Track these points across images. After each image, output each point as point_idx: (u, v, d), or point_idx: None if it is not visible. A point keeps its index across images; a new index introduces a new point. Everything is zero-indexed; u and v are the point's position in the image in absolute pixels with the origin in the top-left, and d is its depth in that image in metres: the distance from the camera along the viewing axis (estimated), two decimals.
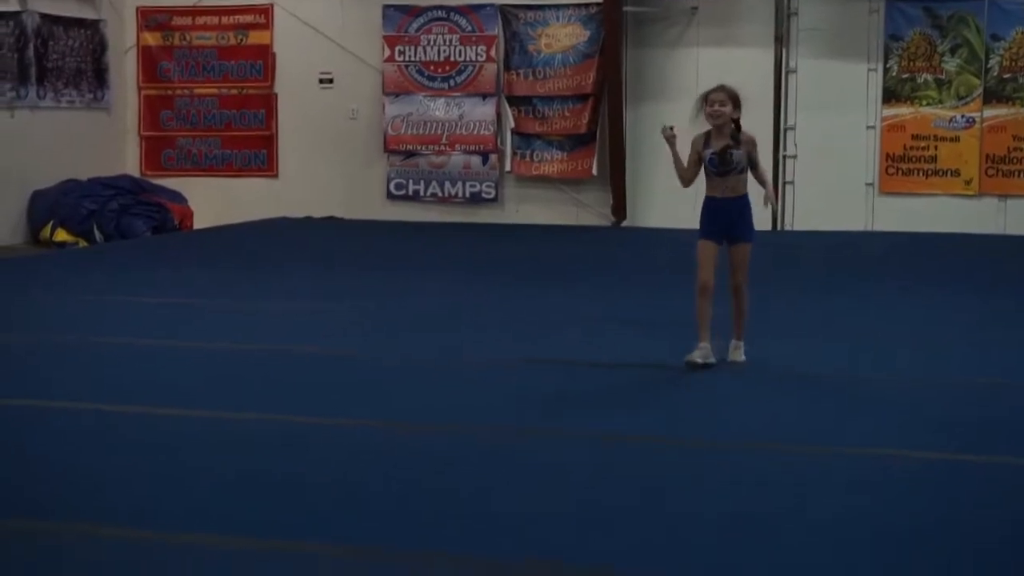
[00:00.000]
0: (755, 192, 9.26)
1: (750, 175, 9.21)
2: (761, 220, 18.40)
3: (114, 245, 17.91)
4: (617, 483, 6.48)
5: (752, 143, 9.17)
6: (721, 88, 9.11)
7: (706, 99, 9.09)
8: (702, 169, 9.24)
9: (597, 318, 11.51)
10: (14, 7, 18.35)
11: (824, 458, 6.96)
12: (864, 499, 6.19)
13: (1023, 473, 6.76)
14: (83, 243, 18.12)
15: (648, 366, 9.30)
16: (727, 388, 8.73)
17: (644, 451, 7.12)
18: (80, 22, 19.85)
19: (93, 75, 20.19)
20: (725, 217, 9.15)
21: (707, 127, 9.17)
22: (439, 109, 20.15)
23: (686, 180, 9.35)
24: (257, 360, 9.61)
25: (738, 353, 9.35)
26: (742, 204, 9.17)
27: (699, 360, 9.06)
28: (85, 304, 12.30)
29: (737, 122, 9.06)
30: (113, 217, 18.50)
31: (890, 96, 19.00)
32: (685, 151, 9.28)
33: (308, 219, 20.35)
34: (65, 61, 19.52)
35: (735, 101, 9.04)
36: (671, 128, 9.23)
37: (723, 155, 9.04)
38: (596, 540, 5.59)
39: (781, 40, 19.10)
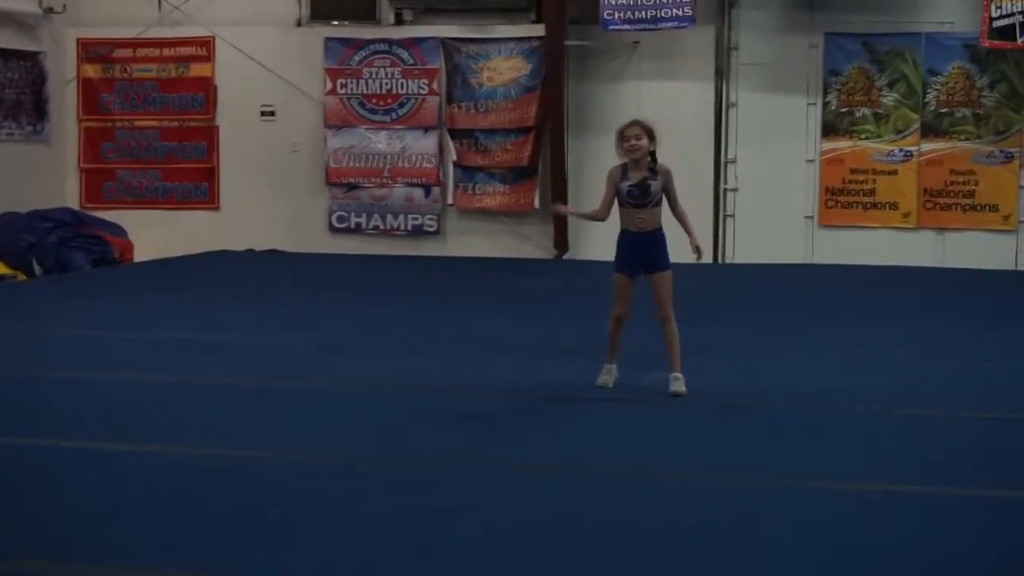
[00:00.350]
0: (672, 228, 9.31)
1: (669, 213, 9.39)
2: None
3: (53, 278, 17.78)
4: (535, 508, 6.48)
5: (668, 174, 9.34)
6: (636, 123, 9.30)
7: (622, 135, 9.28)
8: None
9: (533, 346, 11.53)
10: None
11: (757, 488, 6.98)
12: (787, 531, 6.21)
13: (957, 502, 6.80)
14: (22, 276, 17.97)
15: (580, 394, 9.34)
16: (656, 418, 8.75)
17: (590, 483, 7.12)
18: (20, 54, 19.74)
19: (33, 107, 20.08)
20: (641, 251, 9.32)
21: (623, 161, 9.37)
22: (381, 142, 20.16)
23: (601, 216, 9.55)
24: (195, 392, 9.55)
25: (679, 385, 9.39)
26: (657, 237, 9.35)
27: (608, 383, 9.51)
28: (22, 337, 12.19)
29: (653, 154, 9.31)
30: (53, 250, 18.36)
31: (829, 130, 19.19)
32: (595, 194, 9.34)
33: (250, 252, 20.29)
34: (4, 93, 19.42)
35: (650, 134, 9.26)
36: (558, 206, 9.35)
37: (642, 186, 9.25)
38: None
39: (721, 74, 19.26)
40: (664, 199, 9.37)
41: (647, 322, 9.55)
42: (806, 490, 6.93)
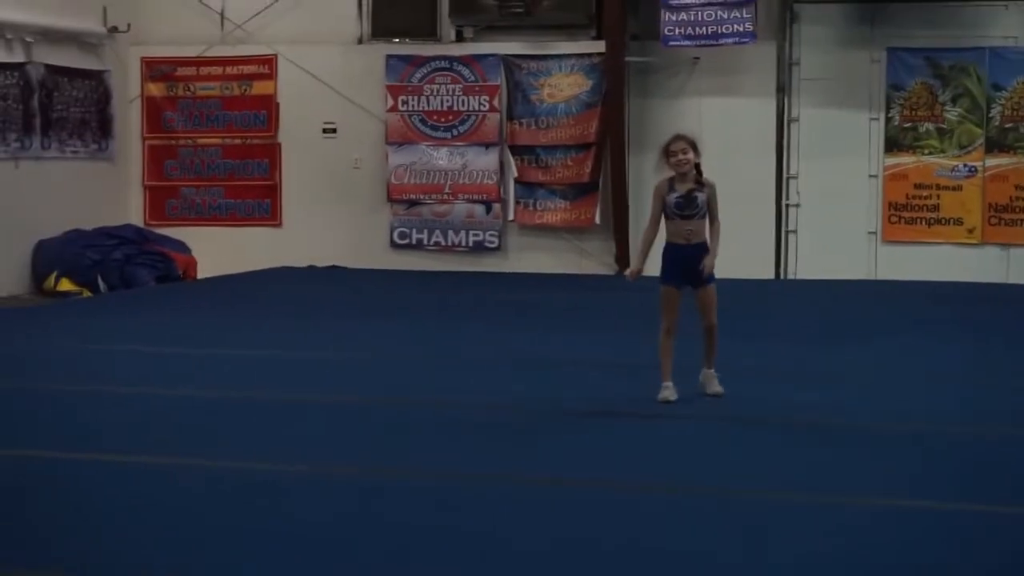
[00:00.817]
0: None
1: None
2: (763, 268, 18.59)
3: (118, 295, 17.92)
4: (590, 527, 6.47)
5: (713, 188, 9.63)
6: (681, 137, 9.61)
7: (668, 150, 9.56)
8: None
9: (592, 362, 11.53)
10: (19, 58, 18.43)
11: (823, 505, 6.94)
12: (854, 544, 6.17)
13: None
14: (87, 293, 18.12)
15: (635, 411, 9.33)
16: (723, 434, 8.72)
17: (635, 497, 7.10)
18: (85, 73, 19.93)
19: (97, 125, 20.26)
20: (687, 263, 9.56)
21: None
22: (442, 158, 20.21)
23: (652, 235, 9.81)
24: (259, 408, 9.60)
25: (714, 383, 9.85)
26: (703, 249, 9.60)
27: (670, 398, 9.64)
28: (88, 353, 12.30)
29: (698, 167, 9.60)
30: (117, 267, 18.51)
31: (892, 145, 19.06)
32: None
33: (311, 268, 20.37)
34: (70, 112, 19.60)
35: (694, 147, 9.54)
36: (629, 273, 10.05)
37: (688, 197, 9.52)
38: None
39: (783, 90, 19.17)
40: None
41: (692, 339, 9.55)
42: (855, 507, 6.89)
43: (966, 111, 18.82)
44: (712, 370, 9.93)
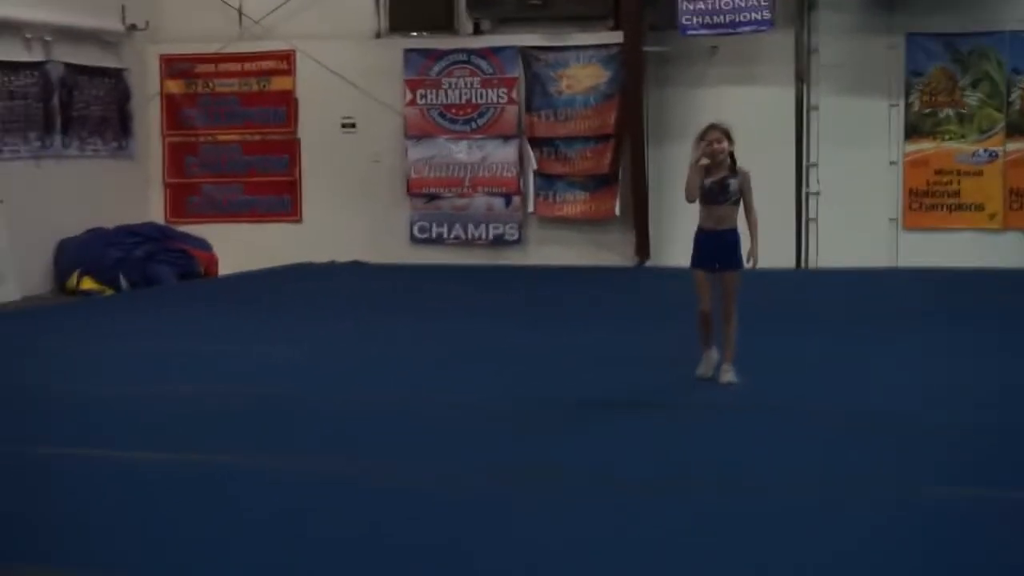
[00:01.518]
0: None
1: (742, 215, 9.90)
2: (784, 257, 18.55)
3: (140, 293, 17.98)
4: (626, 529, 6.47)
5: (747, 177, 9.89)
6: (715, 127, 9.85)
7: (703, 138, 9.81)
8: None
9: (613, 355, 11.53)
10: (39, 57, 18.48)
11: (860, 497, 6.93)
12: (877, 535, 6.17)
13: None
14: (109, 291, 18.17)
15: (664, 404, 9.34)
16: (749, 427, 8.72)
17: (663, 494, 7.10)
18: (104, 71, 19.98)
19: (118, 123, 20.32)
20: (716, 248, 9.87)
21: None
22: (461, 152, 20.21)
23: (692, 194, 9.91)
24: (281, 404, 9.62)
25: (728, 375, 9.96)
26: (732, 235, 9.88)
27: (705, 373, 10.05)
28: (112, 352, 12.34)
29: (732, 155, 9.84)
30: (139, 265, 18.56)
31: (912, 131, 18.99)
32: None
33: (332, 264, 20.41)
34: (90, 110, 19.65)
35: (728, 137, 9.81)
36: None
37: (721, 183, 9.77)
38: None
39: (801, 77, 19.12)
40: (741, 201, 9.89)
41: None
42: (883, 498, 6.88)
43: (986, 96, 18.74)
44: (728, 364, 10.02)
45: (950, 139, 18.88)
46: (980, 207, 18.78)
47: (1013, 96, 18.67)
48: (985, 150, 18.76)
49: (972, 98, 18.80)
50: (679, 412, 9.26)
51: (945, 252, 18.68)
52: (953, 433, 8.50)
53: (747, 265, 9.99)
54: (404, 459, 7.95)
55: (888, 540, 6.18)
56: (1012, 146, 18.68)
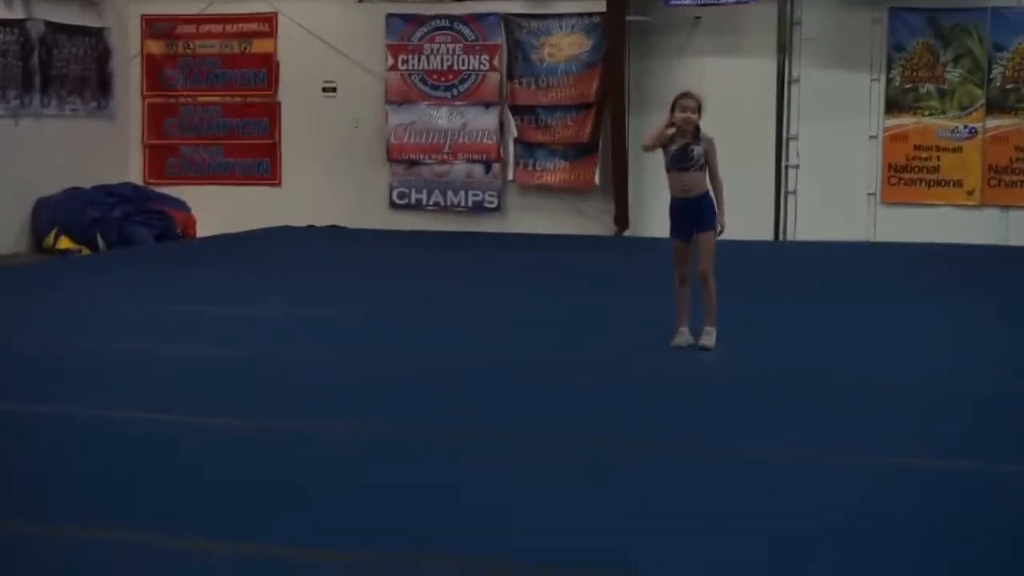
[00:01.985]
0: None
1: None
2: (763, 230, 18.58)
3: (117, 253, 17.94)
4: (613, 484, 6.49)
5: (711, 143, 10.04)
6: (690, 95, 10.06)
7: (676, 103, 9.96)
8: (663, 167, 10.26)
9: (588, 321, 11.56)
10: (19, 15, 18.39)
11: (825, 464, 6.96)
12: (853, 506, 6.20)
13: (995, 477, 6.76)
14: (86, 251, 18.13)
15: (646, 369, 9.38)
16: (726, 394, 8.75)
17: (638, 456, 7.12)
18: (84, 30, 19.89)
19: (97, 83, 20.23)
20: (688, 214, 10.04)
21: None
22: (442, 118, 20.18)
23: (649, 141, 10.23)
24: (260, 365, 9.62)
25: (709, 338, 10.10)
26: (703, 200, 10.06)
27: (682, 344, 10.14)
28: (87, 310, 12.32)
29: (697, 127, 9.98)
30: (116, 225, 18.52)
31: (892, 106, 19.01)
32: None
33: (311, 228, 20.38)
34: (69, 69, 19.56)
35: (699, 109, 9.98)
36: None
37: (684, 150, 9.94)
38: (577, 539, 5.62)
39: (784, 50, 19.12)
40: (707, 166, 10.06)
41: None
42: (853, 464, 6.91)
43: (967, 72, 18.76)
44: (710, 327, 10.15)
45: (930, 115, 18.90)
46: (959, 183, 18.82)
47: (994, 73, 18.69)
48: (965, 126, 18.79)
49: (953, 74, 18.82)
50: (646, 377, 9.28)
51: (923, 227, 18.73)
52: (924, 402, 8.55)
53: (715, 229, 10.14)
54: (360, 414, 7.96)
55: (858, 508, 6.21)
56: (992, 123, 18.71)
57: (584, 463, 6.97)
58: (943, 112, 18.85)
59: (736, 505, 6.20)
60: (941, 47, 18.82)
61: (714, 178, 10.07)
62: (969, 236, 18.49)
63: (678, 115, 9.91)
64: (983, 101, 18.70)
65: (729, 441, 7.47)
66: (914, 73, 18.91)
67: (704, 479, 6.68)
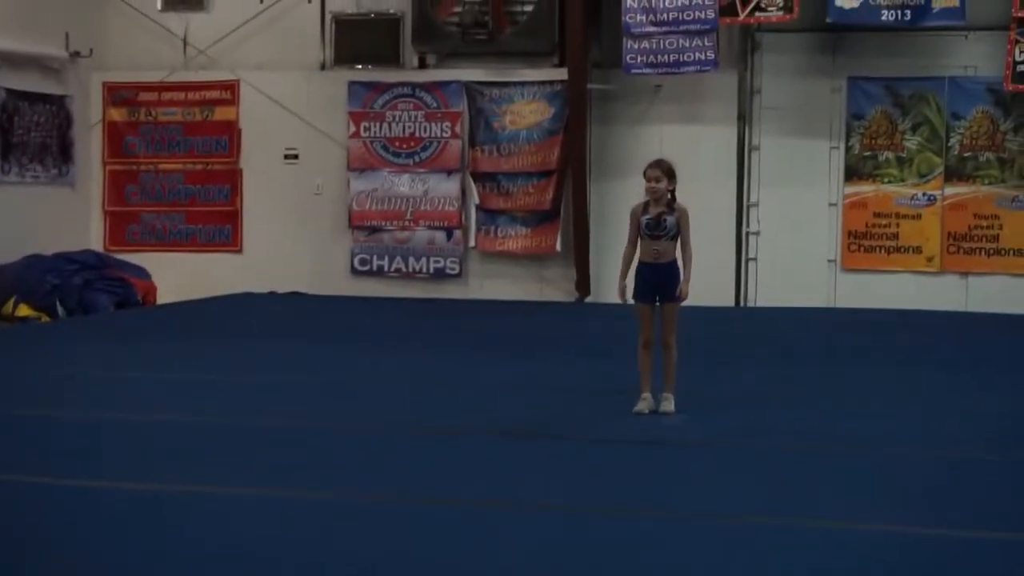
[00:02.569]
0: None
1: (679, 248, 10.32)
2: (723, 296, 18.64)
3: (76, 320, 17.83)
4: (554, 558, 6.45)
5: (684, 214, 10.25)
6: (657, 164, 10.28)
7: (645, 174, 10.24)
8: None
9: (549, 386, 11.54)
10: None
11: (780, 529, 6.94)
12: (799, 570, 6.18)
13: (978, 545, 6.75)
14: (45, 318, 18.02)
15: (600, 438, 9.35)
16: (686, 462, 8.73)
17: (591, 523, 7.09)
18: (46, 97, 19.87)
19: (58, 150, 20.19)
20: (656, 281, 10.22)
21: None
22: (404, 185, 20.20)
23: (631, 253, 10.41)
24: (218, 432, 9.55)
25: (668, 404, 10.24)
26: (671, 268, 10.25)
27: (644, 410, 10.21)
28: (45, 378, 12.22)
29: (672, 192, 10.24)
30: (76, 292, 18.41)
31: (852, 173, 19.16)
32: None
33: (273, 294, 20.32)
34: (31, 136, 19.53)
35: (670, 175, 10.21)
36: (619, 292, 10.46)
37: (658, 219, 10.17)
38: None
39: (744, 118, 19.26)
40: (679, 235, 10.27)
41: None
42: (815, 530, 6.89)
43: (925, 140, 18.94)
44: (668, 393, 10.28)
45: (889, 182, 19.04)
46: (918, 250, 18.95)
47: (952, 141, 18.86)
48: (924, 194, 18.94)
49: (912, 142, 18.99)
50: (605, 443, 9.26)
51: (883, 294, 18.82)
52: (883, 468, 8.55)
53: (675, 295, 10.26)
54: (306, 482, 7.91)
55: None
56: (950, 190, 18.87)
57: (540, 530, 6.93)
58: (902, 180, 19.00)
59: (688, 571, 6.17)
60: (900, 115, 19.00)
61: (685, 247, 10.29)
62: (929, 302, 18.60)
63: (646, 186, 10.18)
64: (941, 169, 18.87)
65: (685, 507, 7.44)
66: (873, 141, 19.08)
67: (656, 544, 6.65)
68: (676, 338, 10.27)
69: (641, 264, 10.29)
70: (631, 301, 10.35)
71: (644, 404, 10.24)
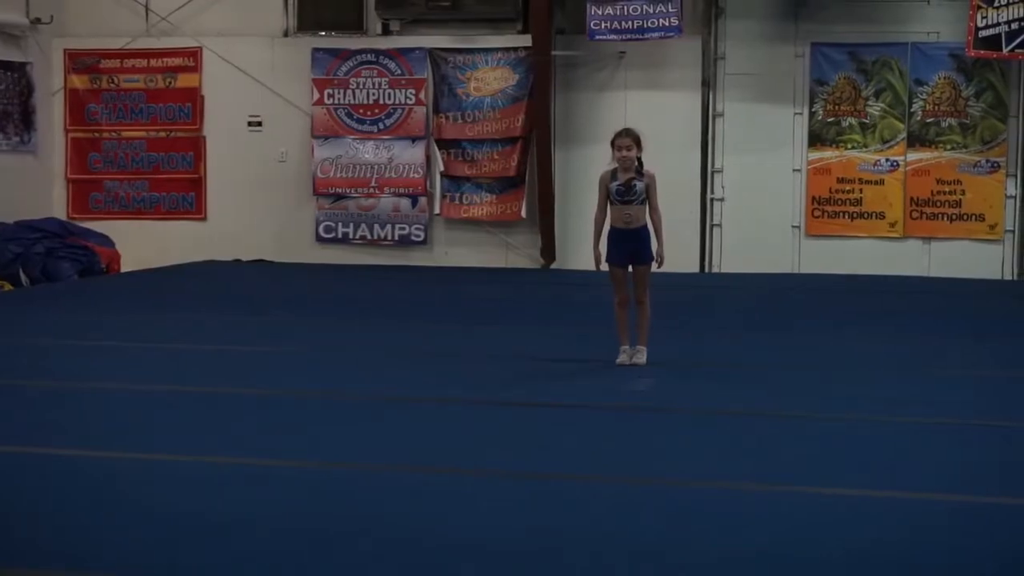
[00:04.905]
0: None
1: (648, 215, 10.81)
2: (688, 262, 18.68)
3: (40, 289, 17.76)
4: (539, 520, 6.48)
5: (652, 179, 10.73)
6: (627, 133, 10.70)
7: (614, 143, 10.66)
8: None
9: (513, 356, 11.56)
10: None
11: (739, 495, 7.00)
12: (767, 534, 6.23)
13: (930, 506, 6.81)
14: (8, 287, 17.93)
15: (571, 404, 9.38)
16: (643, 428, 8.79)
17: (574, 489, 7.13)
18: (7, 65, 19.73)
19: (20, 118, 20.07)
20: (627, 244, 10.71)
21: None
22: (368, 152, 20.16)
23: (601, 218, 10.93)
24: (185, 401, 9.55)
25: (641, 356, 10.82)
26: (642, 233, 10.72)
27: (625, 361, 10.78)
28: (6, 347, 12.18)
29: (640, 160, 10.69)
30: (39, 260, 18.34)
31: (815, 139, 19.22)
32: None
33: (237, 262, 20.28)
34: None
35: (638, 143, 10.66)
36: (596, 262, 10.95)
37: (627, 185, 10.64)
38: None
39: (708, 84, 19.27)
40: (647, 200, 10.75)
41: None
42: (786, 494, 6.95)
43: (888, 106, 19.00)
44: (641, 345, 10.85)
45: (853, 148, 19.11)
46: (881, 215, 19.03)
47: (915, 106, 18.94)
48: (887, 159, 19.02)
49: (875, 108, 19.05)
50: (572, 407, 9.30)
51: (846, 259, 18.92)
52: (847, 432, 8.61)
53: (654, 264, 10.77)
54: (267, 451, 7.93)
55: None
56: (913, 156, 18.95)
57: (506, 496, 6.97)
58: (865, 145, 19.07)
59: (652, 536, 6.22)
60: (863, 81, 19.05)
61: (654, 212, 10.77)
62: (892, 267, 18.70)
63: (615, 155, 10.62)
64: (904, 135, 18.94)
65: (651, 472, 7.49)
66: (836, 107, 19.13)
67: (622, 509, 6.69)
68: (648, 296, 10.79)
69: (613, 229, 10.74)
70: (605, 268, 10.78)
71: (625, 356, 10.80)
